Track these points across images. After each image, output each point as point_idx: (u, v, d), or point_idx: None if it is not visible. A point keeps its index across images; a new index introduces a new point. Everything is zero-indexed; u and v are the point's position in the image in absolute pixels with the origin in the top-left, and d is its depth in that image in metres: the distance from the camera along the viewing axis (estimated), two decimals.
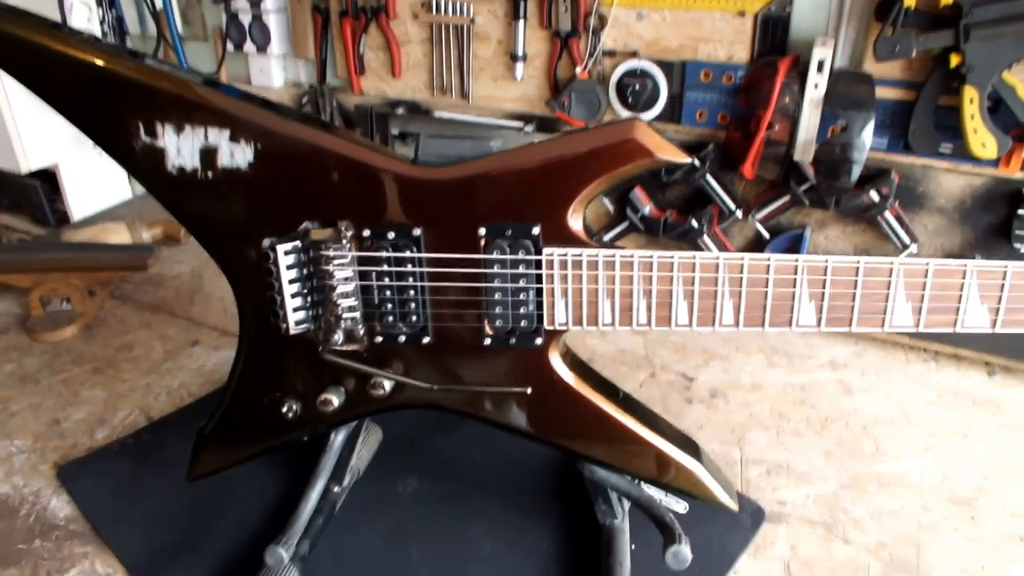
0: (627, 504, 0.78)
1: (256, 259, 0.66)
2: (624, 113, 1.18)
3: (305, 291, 0.66)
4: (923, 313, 0.60)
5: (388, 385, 0.68)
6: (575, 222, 0.62)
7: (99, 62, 0.61)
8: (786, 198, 1.14)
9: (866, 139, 1.03)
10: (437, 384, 0.66)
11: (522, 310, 0.64)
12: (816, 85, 1.04)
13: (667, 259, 0.60)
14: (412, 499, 0.88)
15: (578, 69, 1.19)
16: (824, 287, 0.60)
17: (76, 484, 0.91)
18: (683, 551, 0.63)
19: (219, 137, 0.63)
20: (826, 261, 0.59)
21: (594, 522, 0.81)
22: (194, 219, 0.67)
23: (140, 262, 1.21)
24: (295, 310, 0.66)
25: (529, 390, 0.64)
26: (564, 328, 0.64)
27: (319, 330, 0.68)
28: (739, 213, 1.17)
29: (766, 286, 0.60)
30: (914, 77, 1.02)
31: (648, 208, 1.23)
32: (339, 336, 0.67)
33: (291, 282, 0.65)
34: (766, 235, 1.19)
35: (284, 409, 0.71)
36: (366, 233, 0.64)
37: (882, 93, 1.04)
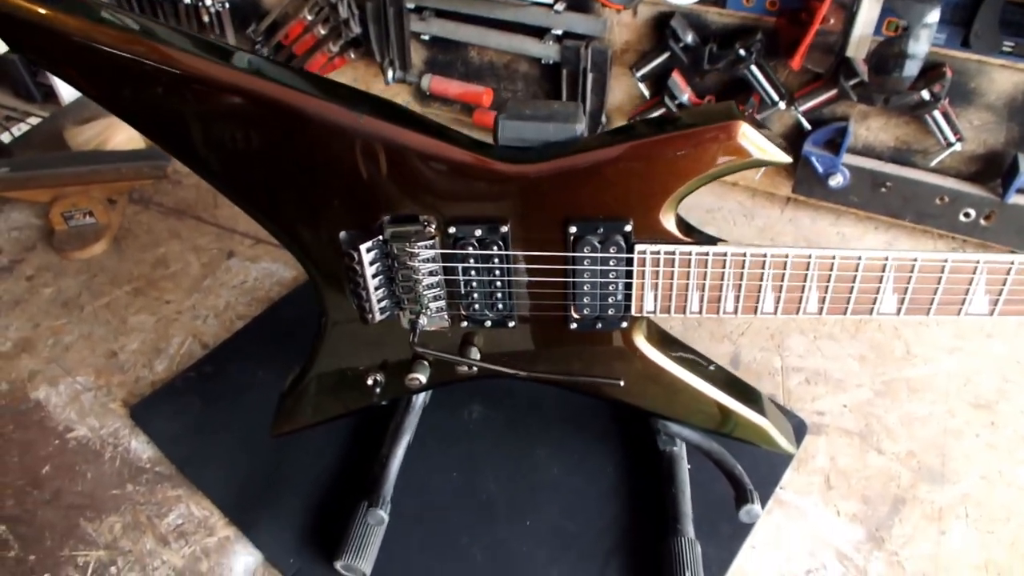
0: None
1: (335, 250, 0.65)
2: None
3: (389, 284, 0.66)
4: (999, 304, 0.62)
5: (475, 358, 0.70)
6: (667, 218, 0.61)
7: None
8: (832, 91, 1.10)
9: (926, 41, 0.97)
10: (524, 370, 0.68)
11: (610, 300, 0.65)
12: None
13: (759, 256, 0.60)
14: (478, 426, 0.93)
15: None
16: (909, 282, 0.61)
17: (151, 424, 0.94)
18: (755, 509, 0.69)
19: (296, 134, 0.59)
20: (915, 260, 0.60)
21: (653, 444, 0.87)
22: (268, 212, 0.65)
23: (160, 171, 1.17)
24: (379, 301, 0.66)
25: (622, 383, 0.67)
26: (651, 314, 0.66)
27: (403, 313, 0.68)
28: (782, 105, 1.13)
29: (853, 281, 0.61)
30: None
31: (687, 95, 1.18)
32: (425, 321, 0.67)
33: (374, 276, 0.65)
34: (807, 126, 1.16)
35: (368, 381, 0.73)
36: (451, 230, 0.63)
37: None
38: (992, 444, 0.91)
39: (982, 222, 1.11)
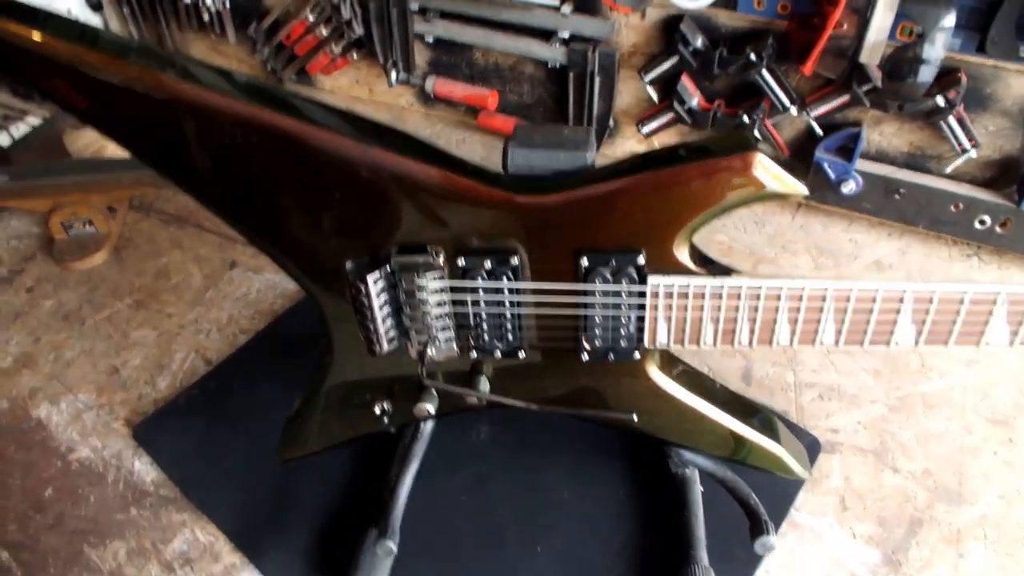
0: None
1: (342, 279, 0.64)
2: (675, 0, 1.07)
3: (396, 314, 0.64)
4: (1020, 334, 0.60)
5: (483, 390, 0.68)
6: (681, 250, 0.59)
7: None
8: (845, 97, 1.08)
9: (942, 46, 0.95)
10: (535, 401, 0.66)
11: (623, 332, 0.63)
12: None
13: (775, 289, 0.58)
14: (487, 447, 0.91)
15: None
16: (927, 314, 0.59)
17: (155, 445, 0.93)
18: (770, 541, 0.68)
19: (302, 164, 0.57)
20: (934, 292, 0.58)
21: (665, 466, 0.86)
22: (274, 242, 0.64)
23: (160, 178, 1.15)
24: (387, 332, 0.65)
25: (635, 417, 0.65)
26: (664, 347, 0.64)
27: (411, 343, 0.67)
28: (793, 110, 1.11)
29: (870, 313, 0.59)
30: None
31: (696, 99, 1.16)
32: (433, 352, 0.66)
33: (382, 307, 0.63)
34: (819, 131, 1.14)
35: (376, 409, 0.72)
36: (460, 261, 0.61)
37: None
38: (1010, 462, 0.90)
39: (998, 229, 1.09)
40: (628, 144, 1.29)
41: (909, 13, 0.96)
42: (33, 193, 1.14)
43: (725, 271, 0.60)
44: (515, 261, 0.61)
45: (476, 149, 1.35)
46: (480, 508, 0.85)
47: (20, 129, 1.42)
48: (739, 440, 0.70)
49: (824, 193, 1.15)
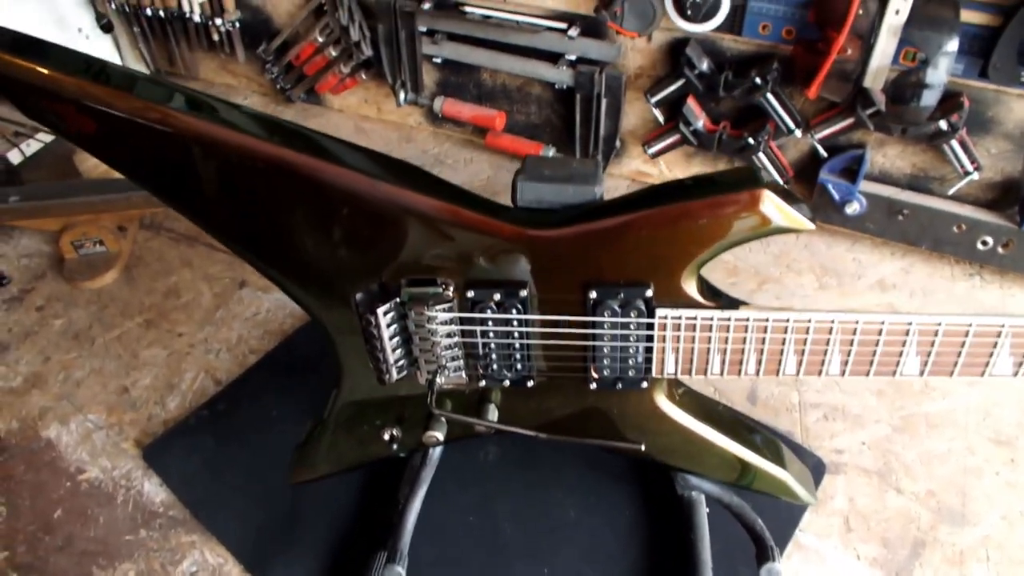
0: None
1: (351, 311, 0.65)
2: (681, 24, 1.08)
3: (406, 344, 0.65)
4: None
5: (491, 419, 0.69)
6: (689, 283, 0.60)
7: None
8: (849, 120, 1.09)
9: (945, 71, 0.96)
10: (543, 428, 0.67)
11: (630, 362, 0.64)
12: (897, 11, 0.95)
13: (782, 322, 0.59)
14: (494, 467, 0.92)
15: None
16: (932, 346, 0.60)
17: (164, 466, 0.94)
18: (776, 568, 0.69)
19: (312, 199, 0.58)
20: (939, 324, 0.59)
21: (671, 487, 0.86)
22: (283, 273, 0.65)
23: None
24: (396, 361, 0.66)
25: (643, 447, 0.66)
26: (671, 376, 0.65)
27: (420, 372, 0.68)
28: (798, 133, 1.12)
29: (876, 345, 0.60)
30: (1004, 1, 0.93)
31: (702, 121, 1.17)
32: (442, 380, 0.67)
33: (391, 338, 0.64)
34: (823, 153, 1.15)
35: (385, 436, 0.73)
36: (470, 293, 0.62)
37: (966, 16, 0.95)
38: (1012, 483, 0.90)
39: (1000, 250, 1.10)
40: (634, 164, 1.30)
41: (912, 39, 0.97)
42: (44, 213, 1.15)
43: (733, 303, 0.61)
44: (524, 293, 0.62)
45: (483, 168, 1.36)
46: (487, 527, 0.86)
47: (31, 147, 1.44)
48: (745, 466, 0.71)
49: (828, 214, 1.16)
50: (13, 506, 0.91)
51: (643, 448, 0.66)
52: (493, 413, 0.70)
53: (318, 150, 0.59)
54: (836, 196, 1.14)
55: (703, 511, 0.83)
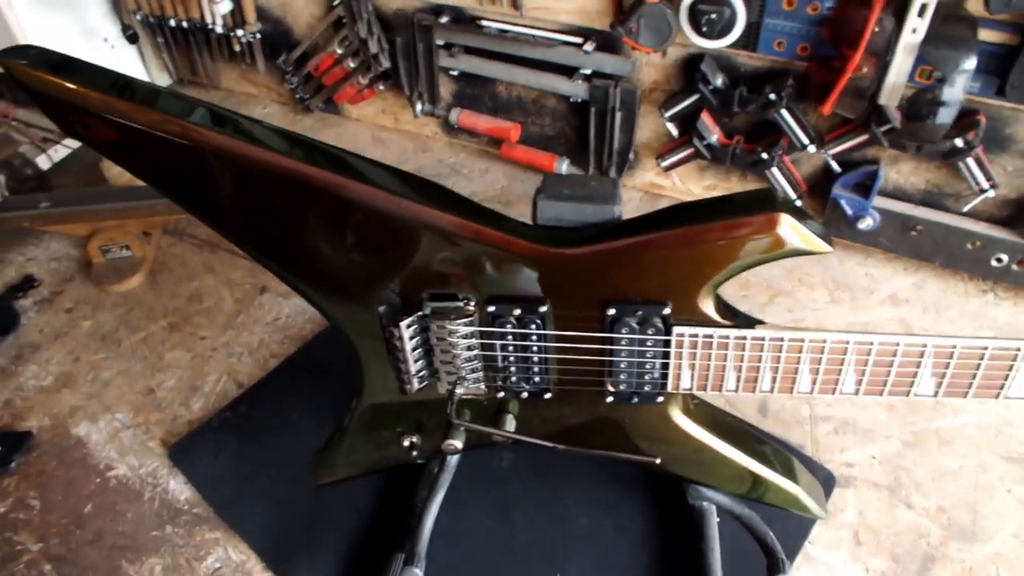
0: None
1: (374, 323, 0.67)
2: (696, 40, 1.10)
3: (427, 355, 0.67)
4: None
5: (509, 430, 0.71)
6: (706, 302, 0.62)
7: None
8: (864, 137, 1.10)
9: (961, 89, 0.97)
10: (559, 439, 0.69)
11: (647, 377, 0.66)
12: (914, 30, 0.96)
13: (797, 341, 0.61)
14: (509, 473, 0.94)
15: None
16: (947, 368, 0.61)
17: (189, 465, 0.96)
18: None
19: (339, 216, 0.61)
20: (954, 347, 0.60)
21: (683, 498, 0.88)
22: (311, 284, 0.67)
23: None
24: (418, 372, 0.68)
25: (658, 460, 0.68)
26: (687, 391, 0.66)
27: (441, 384, 0.70)
28: (812, 148, 1.13)
29: (891, 366, 0.61)
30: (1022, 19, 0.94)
31: (716, 136, 1.19)
32: (461, 391, 0.69)
33: (414, 350, 0.66)
34: (836, 168, 1.16)
35: (405, 442, 0.75)
36: (491, 308, 0.64)
37: (983, 35, 0.97)
38: None
39: (1014, 267, 1.11)
40: (647, 176, 1.32)
41: (929, 57, 0.98)
42: (73, 219, 1.18)
43: (749, 322, 0.63)
44: (543, 309, 0.64)
45: (498, 178, 1.38)
46: (502, 533, 0.88)
47: (59, 152, 1.48)
48: (757, 479, 0.73)
49: (841, 228, 1.18)
50: (46, 500, 0.94)
51: (658, 462, 0.68)
52: (511, 423, 0.72)
53: (344, 167, 0.61)
54: (849, 211, 1.15)
55: (714, 521, 0.85)
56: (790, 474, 0.75)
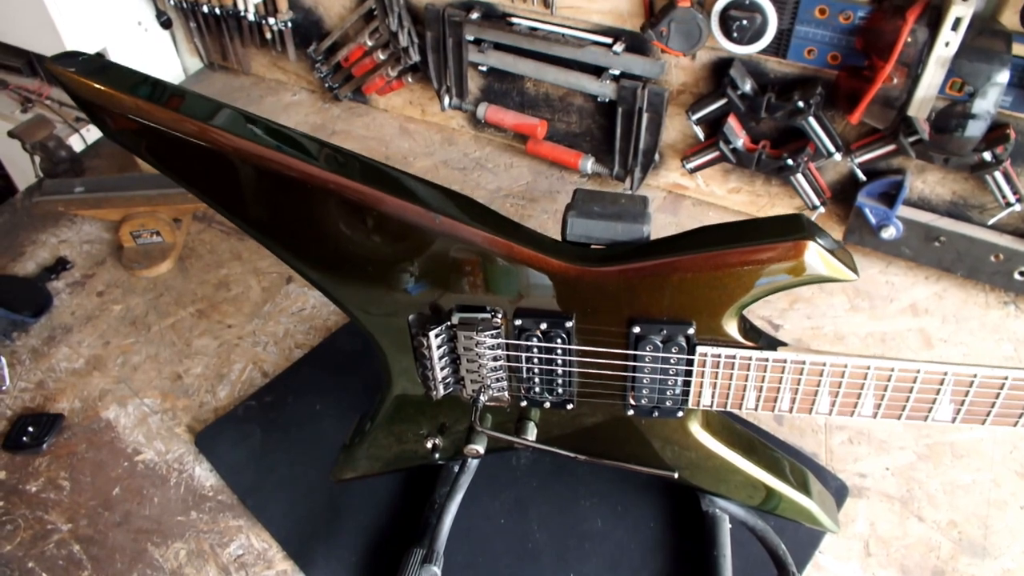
0: None
1: (404, 330, 0.68)
2: (726, 45, 1.10)
3: (453, 363, 0.69)
4: None
5: (531, 439, 0.73)
6: (730, 324, 0.63)
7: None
8: (891, 147, 1.10)
9: (992, 105, 0.97)
10: (578, 448, 0.71)
11: (668, 393, 0.67)
12: (947, 43, 0.96)
13: (818, 364, 0.62)
14: (526, 473, 0.96)
15: None
16: (967, 396, 0.62)
17: (214, 452, 0.99)
18: None
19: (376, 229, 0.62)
20: (975, 375, 0.61)
21: (696, 504, 0.90)
22: (345, 291, 0.69)
23: None
24: (444, 379, 0.70)
25: (676, 475, 0.69)
26: (707, 408, 0.68)
27: (465, 390, 0.71)
28: (838, 156, 1.13)
29: (910, 392, 0.62)
30: None
31: (742, 140, 1.19)
32: (485, 398, 0.70)
33: (441, 358, 0.68)
34: (862, 177, 1.16)
35: (428, 444, 0.77)
36: (517, 321, 0.66)
37: (1017, 49, 0.96)
38: None
39: None
40: (672, 176, 1.32)
41: (961, 70, 0.97)
42: (107, 204, 1.20)
43: (771, 344, 0.64)
44: (569, 324, 0.65)
45: (523, 174, 1.39)
46: (518, 531, 0.90)
47: (92, 133, 1.50)
48: (771, 492, 0.74)
49: (863, 237, 1.18)
50: (76, 481, 0.97)
51: (676, 476, 0.69)
52: (532, 430, 0.73)
53: (382, 180, 0.62)
54: (873, 220, 1.15)
55: (726, 528, 0.86)
56: (804, 488, 0.76)
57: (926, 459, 0.98)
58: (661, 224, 1.29)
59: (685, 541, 0.88)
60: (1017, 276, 1.12)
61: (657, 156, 1.28)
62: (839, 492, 0.94)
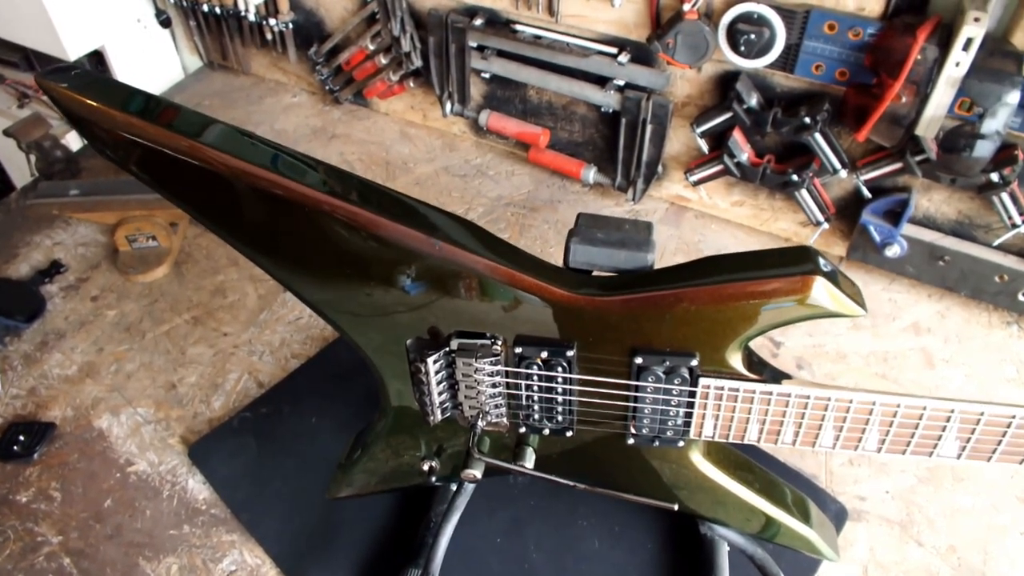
0: None
1: (401, 355, 0.67)
2: (733, 59, 1.09)
3: (451, 389, 0.68)
4: None
5: (529, 466, 0.71)
6: (734, 356, 0.62)
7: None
8: (897, 165, 1.09)
9: (1002, 127, 0.95)
10: (577, 477, 0.69)
11: (670, 423, 0.66)
12: (958, 63, 0.94)
13: (823, 400, 0.61)
14: (523, 492, 0.95)
15: (686, 6, 1.07)
16: (972, 433, 0.61)
17: (208, 465, 0.98)
18: None
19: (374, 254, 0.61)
20: (981, 414, 0.60)
21: (694, 526, 0.89)
22: (342, 315, 0.67)
23: None
24: (441, 404, 0.68)
25: (676, 507, 0.68)
26: (709, 439, 0.67)
27: (463, 416, 0.70)
28: (843, 173, 1.12)
29: (915, 428, 0.61)
30: None
31: (746, 154, 1.17)
32: (483, 424, 0.69)
33: (439, 384, 0.67)
34: (867, 194, 1.15)
35: (424, 467, 0.76)
36: (518, 349, 0.64)
37: None
38: None
39: None
40: (675, 188, 1.31)
41: (970, 91, 0.96)
42: (101, 208, 1.19)
43: (776, 376, 0.63)
44: (570, 353, 0.64)
45: (524, 182, 1.38)
46: (514, 551, 0.89)
47: None
48: (771, 521, 0.73)
49: (867, 254, 1.17)
50: (67, 492, 0.96)
51: (676, 508, 0.68)
52: (530, 456, 0.72)
53: (380, 204, 0.61)
54: (877, 238, 1.14)
55: (724, 551, 0.85)
56: (804, 516, 0.75)
57: (926, 482, 0.97)
58: (663, 236, 1.28)
59: (683, 563, 0.87)
60: (1021, 297, 1.11)
61: (660, 168, 1.27)
62: (839, 516, 0.93)
